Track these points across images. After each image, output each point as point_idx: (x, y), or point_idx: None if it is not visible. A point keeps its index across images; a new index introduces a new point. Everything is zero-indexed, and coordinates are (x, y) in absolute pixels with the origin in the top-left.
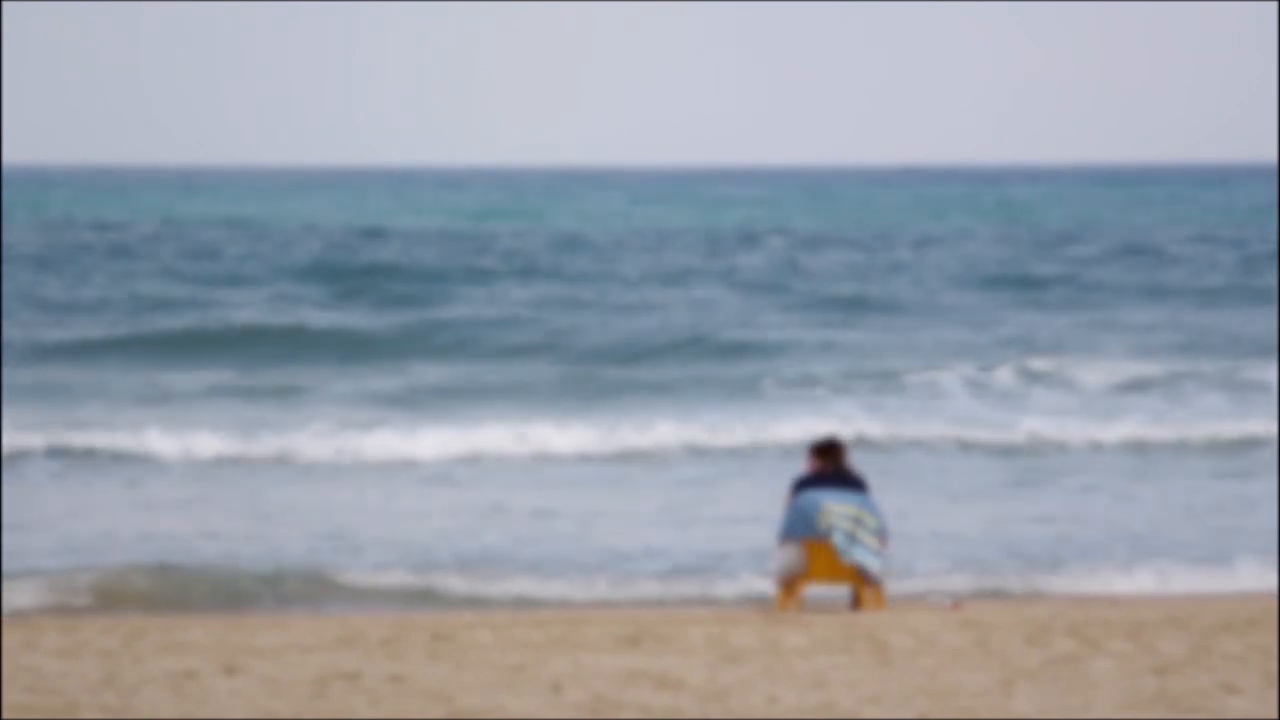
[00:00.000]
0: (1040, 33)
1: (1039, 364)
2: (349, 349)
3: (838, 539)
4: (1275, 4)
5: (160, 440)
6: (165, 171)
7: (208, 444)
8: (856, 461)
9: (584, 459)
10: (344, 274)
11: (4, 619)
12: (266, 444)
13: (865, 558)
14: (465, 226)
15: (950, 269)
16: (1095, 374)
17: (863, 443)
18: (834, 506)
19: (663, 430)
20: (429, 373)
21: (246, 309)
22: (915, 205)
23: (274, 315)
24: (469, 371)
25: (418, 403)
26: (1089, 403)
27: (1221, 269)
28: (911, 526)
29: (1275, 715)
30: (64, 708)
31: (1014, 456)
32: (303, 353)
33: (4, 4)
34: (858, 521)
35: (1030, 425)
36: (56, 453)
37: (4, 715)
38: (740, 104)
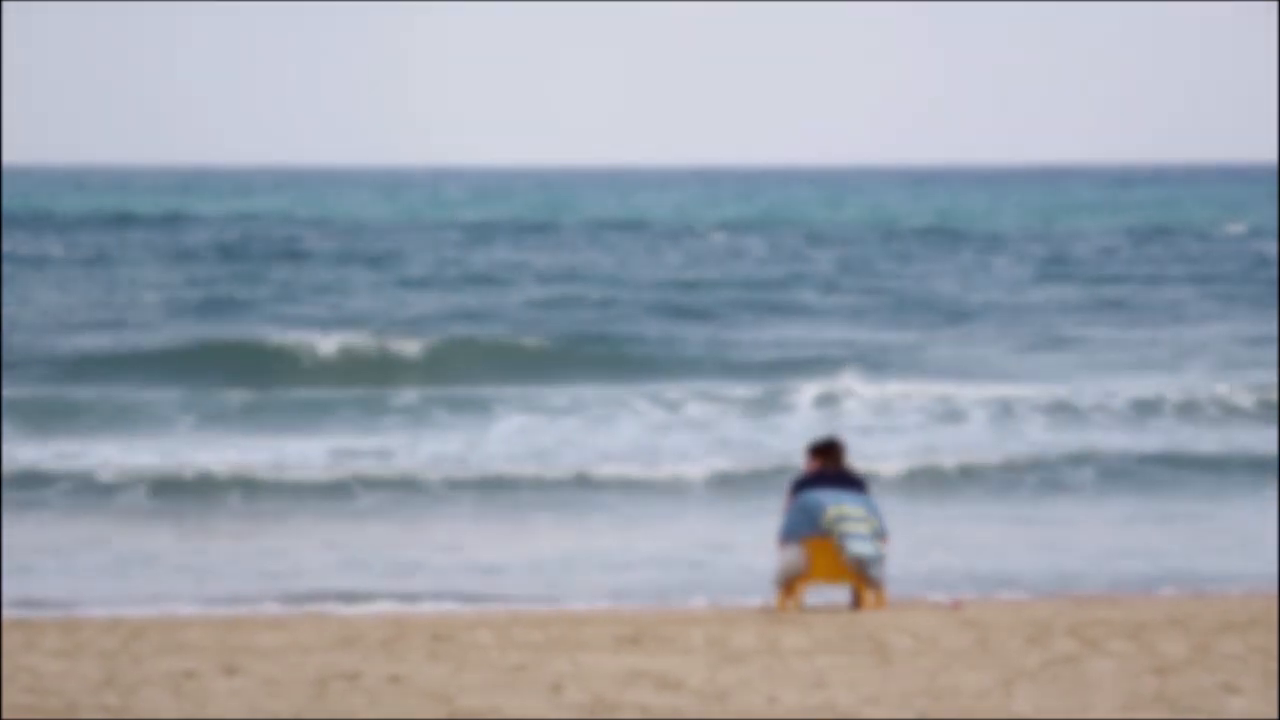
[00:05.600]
0: (1033, 32)
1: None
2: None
3: (841, 533)
4: (1275, 4)
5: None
6: (168, 172)
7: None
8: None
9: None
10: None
11: (4, 619)
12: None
13: (865, 548)
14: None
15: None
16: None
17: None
18: (835, 509)
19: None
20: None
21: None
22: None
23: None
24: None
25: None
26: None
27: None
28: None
29: (1275, 715)
30: (64, 708)
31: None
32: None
33: (3, 4)
34: (859, 521)
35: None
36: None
37: (4, 715)
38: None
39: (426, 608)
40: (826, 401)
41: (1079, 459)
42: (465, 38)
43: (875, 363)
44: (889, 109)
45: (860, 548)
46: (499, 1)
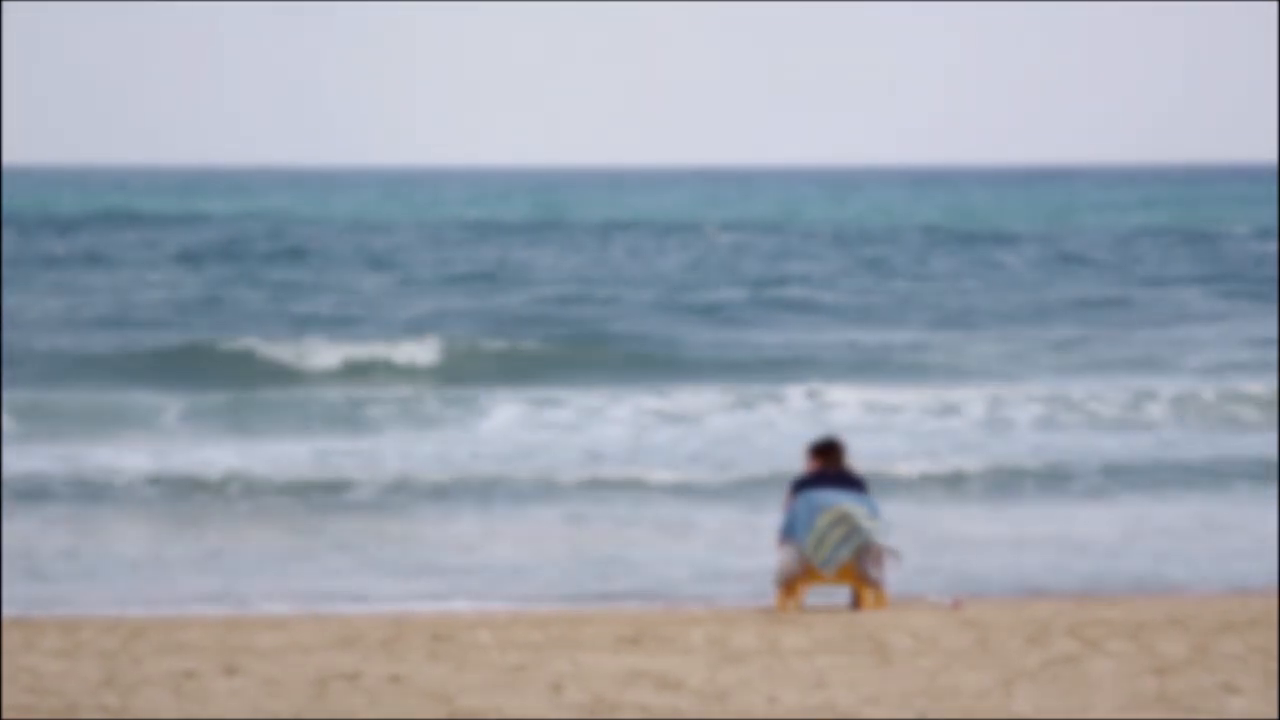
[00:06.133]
0: (1032, 32)
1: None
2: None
3: (854, 526)
4: (1275, 4)
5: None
6: (168, 172)
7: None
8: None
9: None
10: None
11: (4, 619)
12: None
13: (881, 537)
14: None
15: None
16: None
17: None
18: (836, 508)
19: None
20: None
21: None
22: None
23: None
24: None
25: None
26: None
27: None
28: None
29: (1275, 715)
30: (64, 708)
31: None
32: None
33: (4, 4)
34: (865, 518)
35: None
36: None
37: (4, 715)
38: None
39: (426, 608)
40: (826, 401)
41: (1079, 459)
42: (465, 38)
43: (875, 362)
44: (891, 109)
45: (878, 537)
46: (499, 1)
